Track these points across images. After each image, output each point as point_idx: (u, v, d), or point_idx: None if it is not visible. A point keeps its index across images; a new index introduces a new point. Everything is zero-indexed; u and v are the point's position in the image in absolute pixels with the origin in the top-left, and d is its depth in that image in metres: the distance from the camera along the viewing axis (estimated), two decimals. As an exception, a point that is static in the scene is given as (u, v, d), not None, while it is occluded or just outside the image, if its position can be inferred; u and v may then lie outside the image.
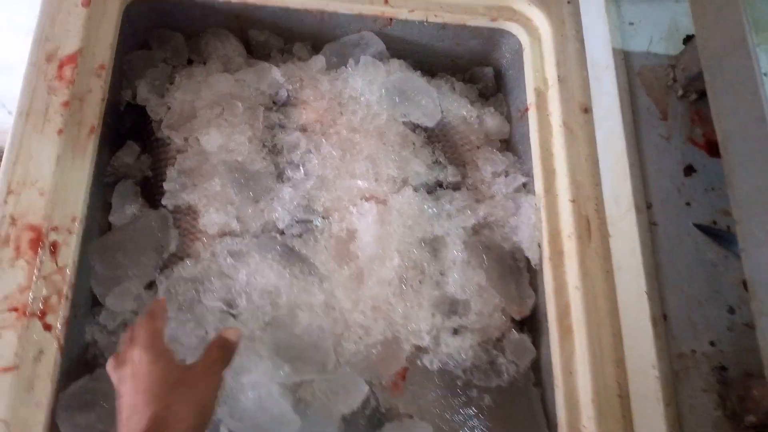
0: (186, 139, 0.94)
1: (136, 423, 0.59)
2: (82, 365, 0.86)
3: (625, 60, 0.88)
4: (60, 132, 0.84)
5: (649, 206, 0.81)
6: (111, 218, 0.91)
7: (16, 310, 0.76)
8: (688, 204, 0.82)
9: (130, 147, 0.97)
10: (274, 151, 0.95)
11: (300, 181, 0.92)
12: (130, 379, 0.64)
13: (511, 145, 1.07)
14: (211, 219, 0.88)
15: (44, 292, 0.77)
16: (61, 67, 0.87)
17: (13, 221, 0.79)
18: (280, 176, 0.94)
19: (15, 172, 0.81)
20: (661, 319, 0.77)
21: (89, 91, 0.88)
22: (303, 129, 0.97)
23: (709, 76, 0.72)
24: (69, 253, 0.80)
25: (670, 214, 0.81)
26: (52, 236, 0.80)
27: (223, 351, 0.69)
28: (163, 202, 0.90)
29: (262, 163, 0.92)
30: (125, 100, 0.98)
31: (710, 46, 0.73)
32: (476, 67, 1.14)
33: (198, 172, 0.91)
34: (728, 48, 0.68)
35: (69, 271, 0.79)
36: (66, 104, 0.85)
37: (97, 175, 0.88)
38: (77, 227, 0.81)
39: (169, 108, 0.97)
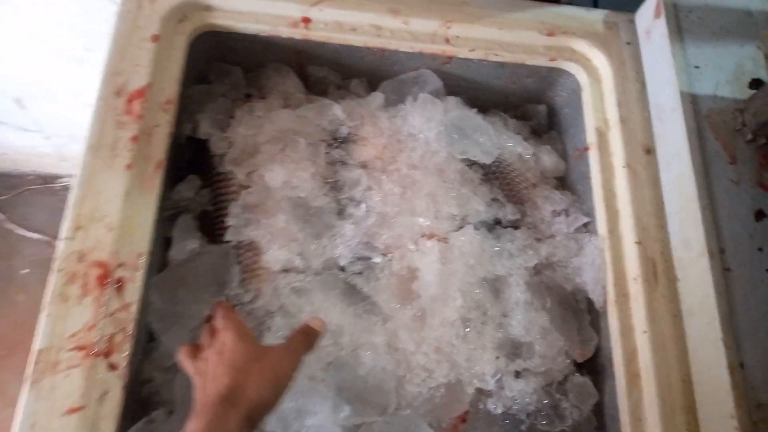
0: (248, 175, 0.94)
1: (213, 388, 0.63)
2: (138, 404, 0.85)
3: (692, 103, 0.87)
4: (129, 167, 0.84)
5: (722, 251, 0.80)
6: (171, 253, 0.91)
7: (83, 348, 0.75)
8: (760, 249, 0.81)
9: (191, 181, 0.97)
10: (336, 187, 0.95)
11: (361, 218, 0.92)
12: (214, 355, 0.66)
13: (567, 184, 1.06)
14: (274, 256, 0.87)
15: (110, 330, 0.77)
16: (130, 101, 0.88)
17: (81, 257, 0.79)
18: (341, 213, 0.93)
19: (83, 208, 0.81)
20: (738, 367, 0.75)
21: (157, 126, 0.88)
22: (363, 166, 0.97)
23: (791, 124, 0.71)
24: (134, 290, 0.80)
25: (743, 260, 0.80)
26: (119, 273, 0.80)
27: (306, 337, 0.72)
28: (227, 237, 0.90)
29: (324, 200, 0.92)
30: (186, 134, 0.99)
31: (790, 94, 0.72)
32: (529, 104, 1.14)
33: (261, 208, 0.90)
34: (812, 97, 0.68)
35: (134, 309, 0.79)
36: (134, 139, 0.86)
37: (160, 209, 0.88)
38: (143, 263, 0.81)
39: (231, 143, 0.97)
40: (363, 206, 0.93)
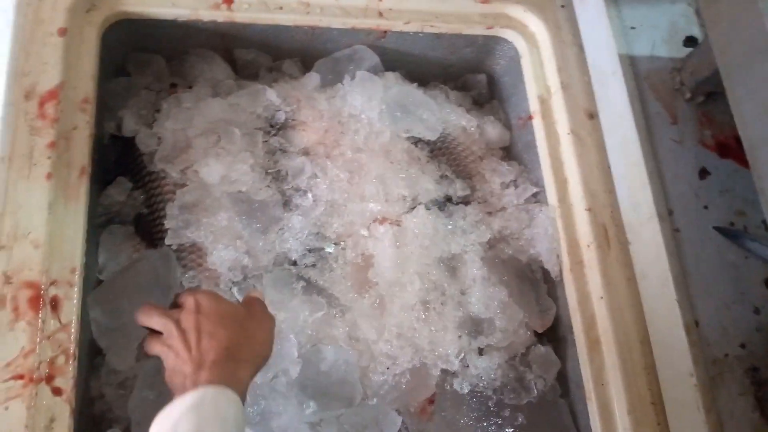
0: (183, 172, 0.88)
1: (213, 344, 0.60)
2: (92, 423, 0.80)
3: (631, 65, 0.87)
4: (49, 176, 0.77)
5: (670, 212, 0.81)
6: (101, 266, 0.85)
7: (21, 377, 0.69)
8: (705, 207, 0.83)
9: (121, 183, 0.90)
10: (278, 177, 0.91)
11: (309, 208, 0.88)
12: (192, 315, 0.62)
13: (513, 153, 1.05)
14: (220, 256, 0.83)
15: (50, 353, 0.71)
16: (42, 104, 0.80)
17: (8, 279, 0.72)
18: (287, 204, 0.89)
19: (3, 225, 0.74)
20: (694, 325, 0.77)
21: (75, 128, 0.81)
22: (306, 152, 0.93)
23: (730, 83, 0.72)
24: (72, 308, 0.74)
25: (690, 220, 0.81)
26: (52, 291, 0.73)
27: (262, 303, 0.71)
28: (167, 242, 0.84)
29: (267, 192, 0.88)
30: (109, 132, 0.92)
31: (728, 53, 0.72)
32: (468, 75, 1.12)
33: (200, 207, 0.85)
34: (750, 56, 0.68)
35: (74, 328, 0.73)
36: (52, 145, 0.78)
37: (90, 217, 0.81)
38: (77, 279, 0.75)
39: (160, 139, 0.91)
40: (309, 195, 0.89)
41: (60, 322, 0.73)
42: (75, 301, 0.74)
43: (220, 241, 0.84)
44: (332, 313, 0.83)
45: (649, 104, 0.86)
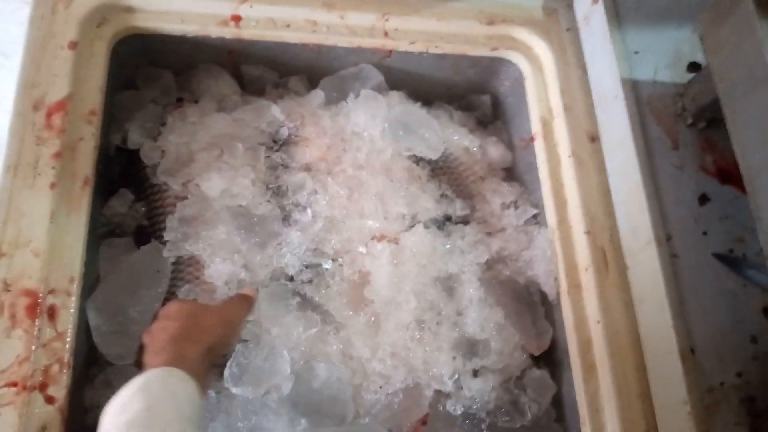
0: (184, 185, 0.90)
1: (164, 335, 0.67)
2: (85, 434, 0.81)
3: (633, 89, 0.87)
4: (53, 186, 0.78)
5: (668, 238, 0.80)
6: (101, 279, 0.86)
7: (15, 384, 0.70)
8: (705, 234, 0.82)
9: (123, 195, 0.91)
10: (279, 192, 0.92)
11: (308, 224, 0.89)
12: (160, 320, 0.70)
13: (515, 174, 1.05)
14: (217, 270, 0.84)
15: (44, 361, 0.72)
16: (49, 115, 0.82)
17: (7, 287, 0.73)
18: (286, 219, 0.90)
19: (6, 233, 0.75)
20: (689, 353, 0.76)
21: (81, 140, 0.83)
22: (307, 168, 0.94)
23: (729, 110, 0.71)
24: (68, 317, 0.75)
25: (689, 245, 0.81)
26: (50, 300, 0.75)
27: (243, 298, 0.77)
28: (165, 253, 0.85)
29: (267, 207, 0.88)
30: (114, 144, 0.93)
31: (728, 80, 0.72)
32: (473, 95, 1.12)
33: (200, 220, 0.86)
34: (750, 83, 0.68)
35: (69, 337, 0.74)
36: (57, 155, 0.80)
37: (91, 227, 0.82)
38: (75, 288, 0.76)
39: (163, 152, 0.92)
40: (309, 211, 0.90)
41: (56, 330, 0.74)
42: (72, 310, 0.75)
43: (218, 255, 0.84)
44: (326, 330, 0.84)
45: (651, 129, 0.85)
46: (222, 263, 0.84)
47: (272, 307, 0.83)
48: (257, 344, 0.81)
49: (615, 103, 0.89)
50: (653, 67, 0.90)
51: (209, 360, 0.68)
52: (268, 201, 0.89)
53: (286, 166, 0.93)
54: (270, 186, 0.91)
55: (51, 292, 0.75)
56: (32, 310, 0.73)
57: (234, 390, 0.77)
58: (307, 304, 0.84)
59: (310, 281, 0.87)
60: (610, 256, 0.86)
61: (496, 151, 1.03)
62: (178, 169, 0.90)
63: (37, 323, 0.72)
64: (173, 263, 0.86)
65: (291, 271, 0.87)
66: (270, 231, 0.87)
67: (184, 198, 0.88)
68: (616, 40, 0.91)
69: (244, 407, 0.78)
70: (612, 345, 0.82)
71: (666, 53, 0.92)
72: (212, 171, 0.88)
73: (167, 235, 0.85)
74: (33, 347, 0.72)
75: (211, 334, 0.69)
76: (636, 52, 0.91)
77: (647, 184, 0.82)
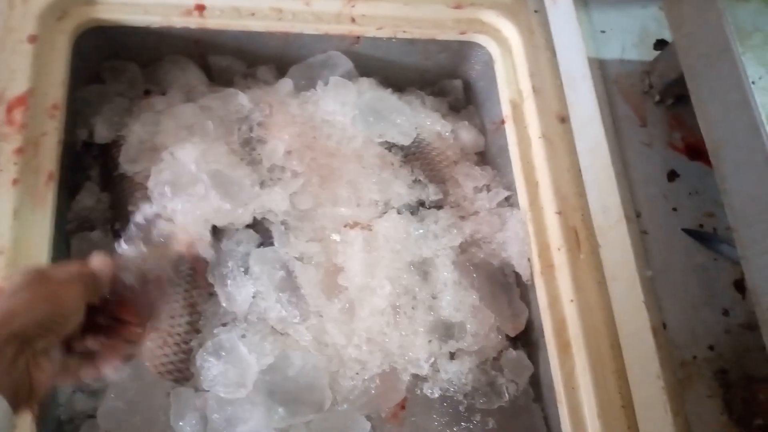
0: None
1: None
2: None
3: (600, 69, 0.87)
4: (15, 182, 0.77)
5: (638, 215, 0.81)
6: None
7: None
8: (674, 209, 0.83)
9: (89, 189, 0.90)
10: (254, 163, 0.92)
11: (288, 181, 0.89)
12: None
13: (487, 158, 1.05)
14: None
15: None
16: (10, 110, 0.80)
17: (-30, 286, 0.72)
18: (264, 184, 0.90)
19: (-33, 232, 0.74)
20: (661, 328, 0.77)
21: (44, 135, 0.81)
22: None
23: (693, 85, 0.72)
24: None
25: (659, 222, 0.81)
26: (17, 297, 0.73)
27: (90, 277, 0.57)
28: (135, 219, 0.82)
29: (244, 170, 0.89)
30: (81, 139, 0.92)
31: (691, 55, 0.73)
32: (445, 80, 1.12)
33: (176, 184, 0.84)
34: (712, 56, 0.69)
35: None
36: (19, 151, 0.79)
37: (59, 224, 0.81)
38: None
39: (126, 140, 0.91)
40: (288, 172, 0.90)
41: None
42: (40, 308, 0.74)
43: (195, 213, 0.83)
44: (301, 315, 0.83)
45: (618, 107, 0.86)
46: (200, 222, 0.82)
47: (259, 269, 0.82)
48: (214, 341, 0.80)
49: (583, 83, 0.89)
50: (620, 45, 0.91)
51: (30, 351, 0.49)
52: (247, 165, 0.89)
53: (260, 141, 0.92)
54: (244, 159, 0.91)
55: (17, 289, 0.73)
56: (-2, 309, 0.72)
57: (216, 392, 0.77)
58: (288, 282, 0.84)
59: (300, 259, 0.86)
60: (582, 236, 0.86)
61: (468, 135, 1.03)
62: (141, 156, 0.89)
63: (3, 322, 0.71)
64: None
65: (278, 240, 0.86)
66: (249, 191, 0.86)
67: (142, 184, 0.87)
68: (583, 20, 0.91)
69: (218, 398, 0.77)
70: (586, 323, 0.82)
71: (632, 31, 0.92)
72: (186, 142, 0.87)
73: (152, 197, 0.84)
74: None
75: (15, 315, 0.50)
76: (602, 32, 0.91)
77: (616, 162, 0.83)
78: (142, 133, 0.90)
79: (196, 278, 0.84)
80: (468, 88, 1.13)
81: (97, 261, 0.58)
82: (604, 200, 0.84)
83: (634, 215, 0.80)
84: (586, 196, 0.88)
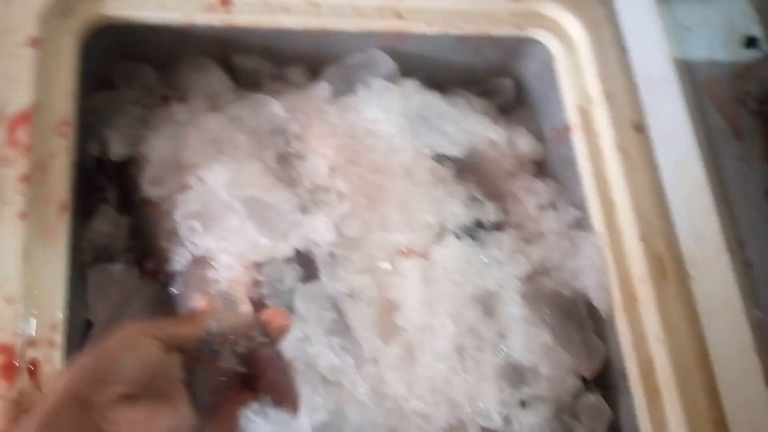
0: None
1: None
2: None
3: (688, 71, 0.77)
4: (23, 216, 0.65)
5: (740, 243, 0.71)
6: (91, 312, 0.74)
7: (-9, 464, 0.58)
8: (780, 237, 0.73)
9: (106, 212, 0.79)
10: (292, 183, 0.81)
11: (333, 205, 0.79)
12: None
13: (547, 169, 0.94)
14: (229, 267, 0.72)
15: (28, 430, 0.60)
16: (12, 129, 0.68)
17: (-25, 343, 0.61)
18: (304, 209, 0.79)
19: (-31, 277, 0.62)
20: (772, 376, 0.67)
21: (53, 156, 0.70)
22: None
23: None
24: (53, 372, 0.63)
25: (764, 251, 0.71)
26: (30, 353, 0.62)
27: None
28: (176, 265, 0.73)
29: (282, 194, 0.77)
30: (92, 156, 0.80)
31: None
32: (493, 79, 1.00)
33: (206, 214, 0.73)
34: None
35: (56, 396, 0.62)
36: (26, 178, 0.67)
37: (73, 258, 0.70)
38: (59, 337, 0.64)
39: (148, 160, 0.79)
40: (332, 193, 0.79)
41: (40, 390, 0.62)
42: (57, 363, 0.63)
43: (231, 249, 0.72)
44: (358, 364, 0.73)
45: (710, 116, 0.76)
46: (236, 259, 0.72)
47: (306, 309, 0.72)
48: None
49: (666, 88, 0.78)
50: (707, 44, 0.80)
51: (94, 409, 0.46)
52: (285, 187, 0.78)
53: (299, 156, 0.81)
54: (281, 179, 0.79)
55: (30, 344, 0.62)
56: (9, 370, 0.61)
57: None
58: (341, 325, 0.73)
59: (350, 296, 0.75)
60: (668, 265, 0.76)
61: (525, 143, 0.92)
62: (166, 177, 0.78)
63: (16, 385, 0.60)
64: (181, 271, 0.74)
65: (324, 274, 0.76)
66: (289, 220, 0.75)
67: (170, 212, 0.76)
68: (664, 16, 0.80)
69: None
70: (678, 366, 0.72)
71: (719, 27, 0.81)
72: (214, 162, 0.76)
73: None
74: (14, 415, 0.59)
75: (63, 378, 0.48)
76: (686, 28, 0.80)
77: (712, 182, 0.72)
78: (165, 149, 0.78)
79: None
80: (520, 87, 1.01)
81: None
82: (696, 225, 0.74)
83: (736, 244, 0.70)
84: (671, 219, 0.78)
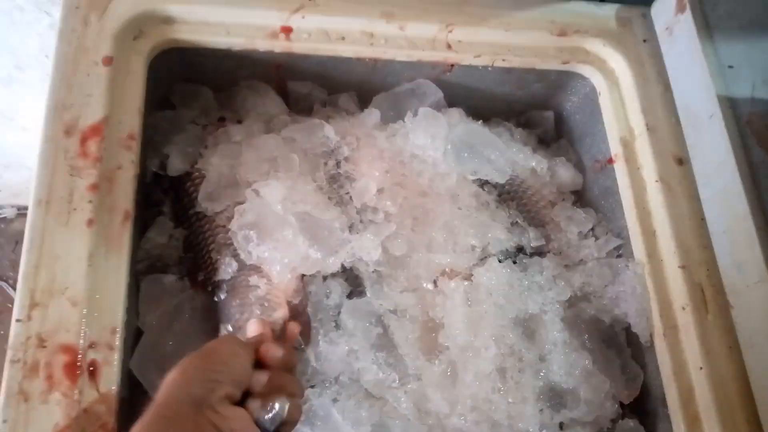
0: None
1: None
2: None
3: (732, 108, 0.79)
4: (90, 223, 0.69)
5: (782, 276, 0.72)
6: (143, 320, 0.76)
7: (53, 461, 0.60)
8: (822, 270, 0.73)
9: (162, 224, 0.82)
10: (342, 203, 0.84)
11: (381, 226, 0.81)
12: None
13: (586, 199, 0.96)
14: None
15: (87, 429, 0.62)
16: (84, 141, 0.72)
17: (42, 342, 0.64)
18: (353, 227, 0.82)
19: (38, 279, 0.65)
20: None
21: (119, 168, 0.73)
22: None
23: None
24: (112, 375, 0.65)
25: (806, 284, 0.72)
26: (91, 355, 0.65)
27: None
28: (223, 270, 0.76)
29: (333, 212, 0.81)
30: (152, 170, 0.84)
31: None
32: (534, 111, 1.03)
33: (261, 227, 0.76)
34: None
35: (113, 398, 0.64)
36: (94, 187, 0.70)
37: (132, 269, 0.73)
38: (118, 341, 0.67)
39: (204, 176, 0.83)
40: (381, 214, 0.81)
41: (98, 391, 0.64)
42: (115, 366, 0.65)
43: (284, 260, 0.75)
44: (401, 381, 0.74)
45: (753, 152, 0.77)
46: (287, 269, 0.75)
47: (353, 324, 0.74)
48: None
49: (710, 123, 0.80)
50: (750, 82, 0.81)
51: (209, 407, 0.52)
52: (335, 206, 0.81)
53: (348, 177, 0.84)
54: (332, 197, 0.82)
55: (91, 346, 0.65)
56: (71, 369, 0.63)
57: None
58: (384, 340, 0.75)
59: (394, 312, 0.77)
60: (708, 294, 0.78)
61: (566, 173, 0.94)
62: (221, 193, 0.81)
63: (77, 385, 0.63)
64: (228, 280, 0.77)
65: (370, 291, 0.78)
66: (339, 237, 0.77)
67: (225, 227, 0.79)
68: (708, 54, 0.82)
69: (310, 473, 0.69)
70: (718, 395, 0.73)
71: (762, 66, 0.83)
72: (270, 179, 0.79)
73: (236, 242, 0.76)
74: (73, 413, 0.62)
75: (179, 380, 0.54)
76: (730, 67, 0.82)
77: (755, 214, 0.74)
78: (222, 166, 0.81)
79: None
80: (560, 120, 1.04)
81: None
82: (738, 256, 0.75)
83: (778, 276, 0.71)
84: (713, 250, 0.79)
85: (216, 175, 0.82)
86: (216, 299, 0.78)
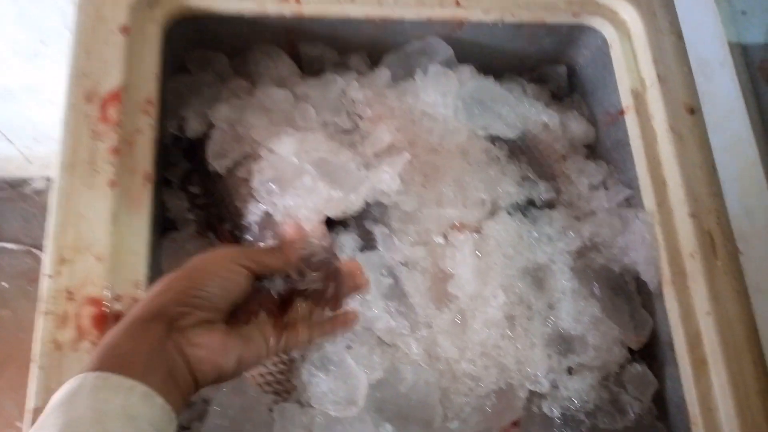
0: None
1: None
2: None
3: (743, 54, 0.78)
4: (112, 184, 0.72)
5: (792, 221, 0.72)
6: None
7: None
8: (832, 215, 0.73)
9: (182, 184, 0.86)
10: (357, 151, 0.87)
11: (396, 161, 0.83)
12: None
13: (598, 152, 0.97)
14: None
15: (115, 374, 0.67)
16: (104, 106, 0.76)
17: (71, 295, 0.68)
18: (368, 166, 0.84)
19: (66, 237, 0.69)
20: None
21: (138, 132, 0.77)
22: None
23: None
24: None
25: (816, 228, 0.72)
26: (116, 306, 0.69)
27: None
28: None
29: (347, 154, 0.83)
30: (170, 132, 0.87)
31: None
32: (546, 66, 1.03)
33: (282, 179, 0.79)
34: None
35: (140, 346, 0.69)
36: (115, 150, 0.74)
37: (153, 227, 0.77)
38: (142, 294, 0.71)
39: (215, 133, 0.86)
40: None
41: (124, 340, 0.69)
42: (139, 317, 0.70)
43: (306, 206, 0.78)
44: (412, 328, 0.77)
45: (764, 98, 0.77)
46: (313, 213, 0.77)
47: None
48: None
49: (721, 71, 0.80)
50: (764, 28, 0.80)
51: (179, 331, 0.50)
52: (348, 150, 0.83)
53: (361, 135, 0.87)
54: (343, 143, 0.85)
55: (117, 298, 0.69)
56: (99, 319, 0.68)
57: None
58: (396, 291, 0.78)
59: (405, 264, 0.80)
60: (718, 241, 0.78)
61: (577, 126, 0.95)
62: (230, 149, 0.84)
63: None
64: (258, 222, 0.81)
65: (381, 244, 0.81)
66: (357, 175, 0.80)
67: (244, 179, 0.82)
68: (720, 1, 0.81)
69: (326, 416, 0.72)
70: (725, 338, 0.74)
71: (775, 11, 0.82)
72: (281, 134, 0.82)
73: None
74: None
75: (153, 296, 0.52)
76: (743, 13, 0.81)
77: (766, 161, 0.74)
78: (232, 120, 0.84)
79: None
80: (573, 74, 1.04)
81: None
82: (748, 202, 0.76)
83: (787, 221, 0.72)
84: (723, 197, 0.80)
85: (226, 130, 0.85)
86: (246, 239, 0.82)
